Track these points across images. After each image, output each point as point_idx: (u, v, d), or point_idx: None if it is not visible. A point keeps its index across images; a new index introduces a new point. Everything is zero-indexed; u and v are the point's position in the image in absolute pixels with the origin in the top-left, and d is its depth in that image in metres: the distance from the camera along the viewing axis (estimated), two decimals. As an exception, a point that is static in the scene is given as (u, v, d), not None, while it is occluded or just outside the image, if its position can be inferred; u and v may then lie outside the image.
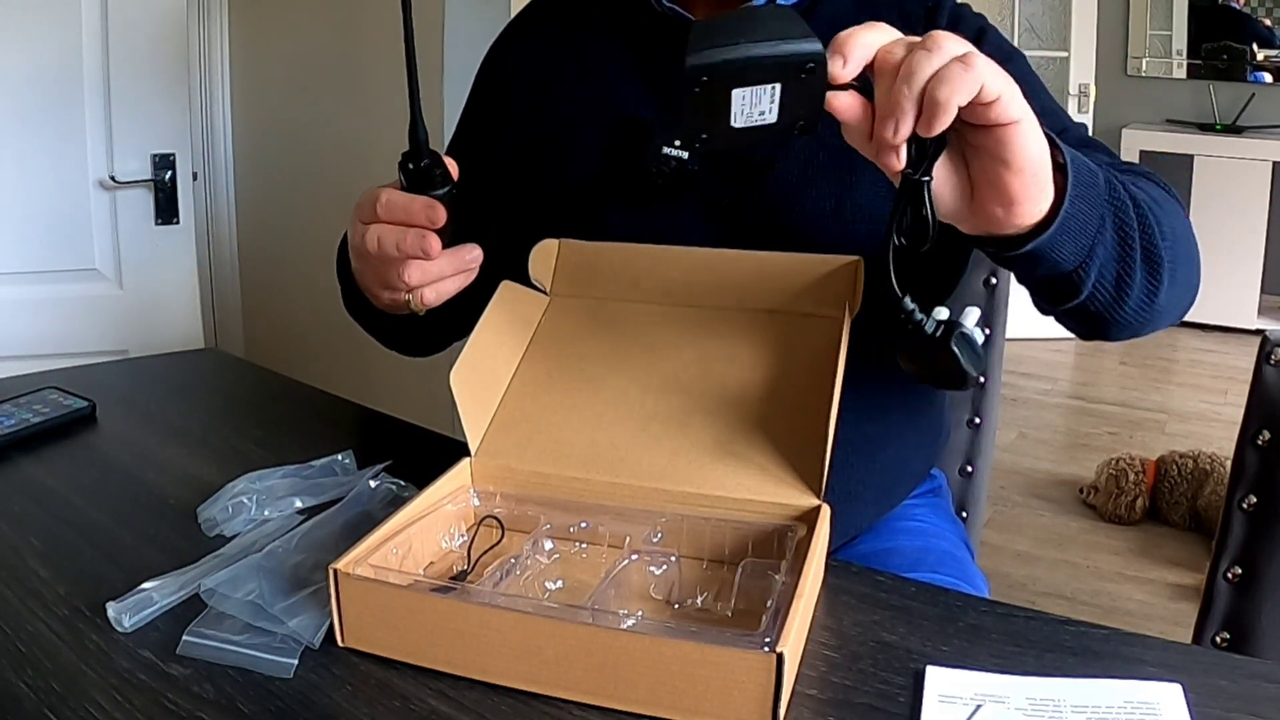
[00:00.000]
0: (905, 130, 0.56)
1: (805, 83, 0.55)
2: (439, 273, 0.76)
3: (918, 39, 0.56)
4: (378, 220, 0.75)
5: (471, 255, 0.78)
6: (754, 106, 0.55)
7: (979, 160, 0.59)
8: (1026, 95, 0.88)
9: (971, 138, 0.58)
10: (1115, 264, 0.69)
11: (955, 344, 0.59)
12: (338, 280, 0.95)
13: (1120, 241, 0.68)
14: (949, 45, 0.55)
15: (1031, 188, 0.59)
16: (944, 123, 0.55)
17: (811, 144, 0.87)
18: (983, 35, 0.90)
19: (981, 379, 1.14)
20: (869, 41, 0.57)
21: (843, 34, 0.57)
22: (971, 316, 0.60)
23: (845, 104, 0.57)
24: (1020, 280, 0.73)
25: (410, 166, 0.75)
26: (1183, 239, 0.74)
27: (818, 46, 0.55)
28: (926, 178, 0.58)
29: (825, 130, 0.89)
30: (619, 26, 0.96)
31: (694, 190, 0.89)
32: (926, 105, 0.55)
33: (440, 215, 0.73)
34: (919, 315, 0.60)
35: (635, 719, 0.56)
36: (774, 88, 0.55)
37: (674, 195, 0.89)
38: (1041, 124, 0.60)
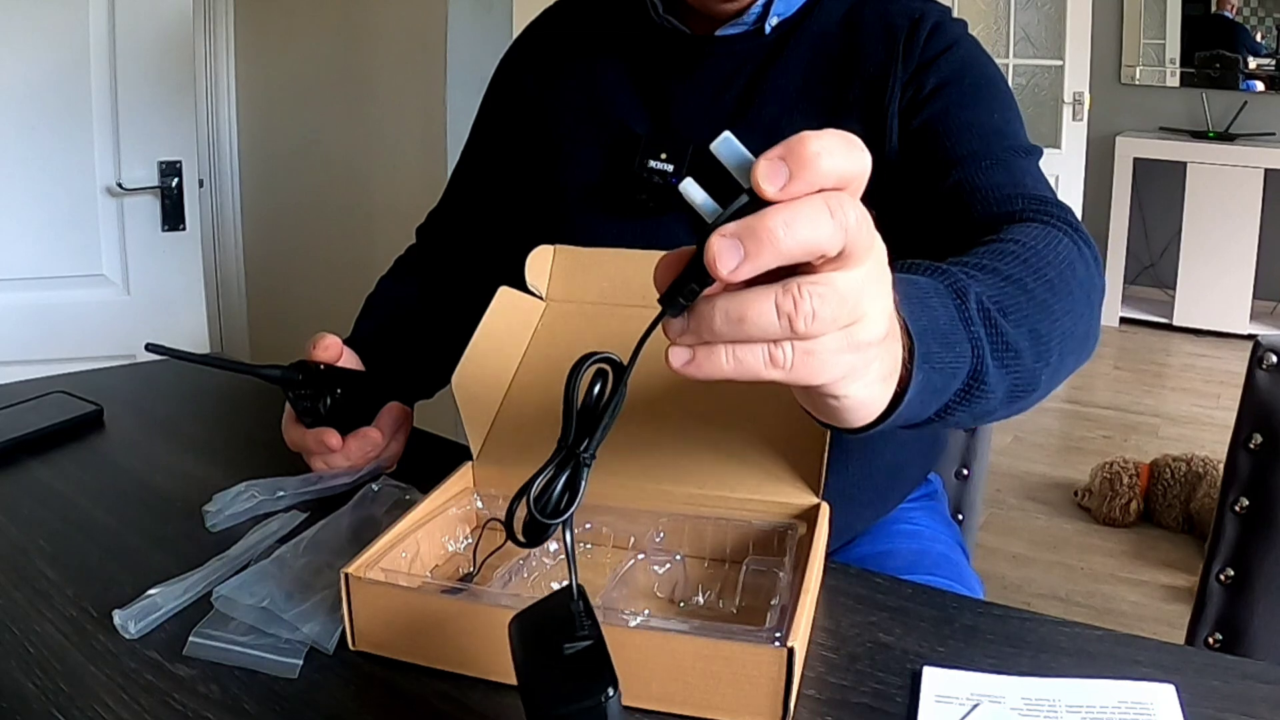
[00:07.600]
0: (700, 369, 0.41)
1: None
2: (349, 462, 0.84)
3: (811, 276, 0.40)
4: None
5: (373, 438, 0.84)
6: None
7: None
8: (976, 107, 0.87)
9: None
10: (977, 402, 0.56)
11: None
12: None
13: (980, 381, 0.56)
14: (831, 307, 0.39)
15: (863, 413, 0.47)
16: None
17: None
18: (954, 46, 0.88)
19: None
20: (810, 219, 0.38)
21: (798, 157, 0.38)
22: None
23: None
24: None
25: (290, 396, 0.83)
26: (1068, 329, 0.63)
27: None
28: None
29: None
30: (620, 39, 0.98)
31: (679, 205, 0.90)
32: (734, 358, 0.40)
33: (333, 441, 0.82)
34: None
35: (646, 715, 0.56)
36: None
37: (659, 210, 0.90)
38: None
